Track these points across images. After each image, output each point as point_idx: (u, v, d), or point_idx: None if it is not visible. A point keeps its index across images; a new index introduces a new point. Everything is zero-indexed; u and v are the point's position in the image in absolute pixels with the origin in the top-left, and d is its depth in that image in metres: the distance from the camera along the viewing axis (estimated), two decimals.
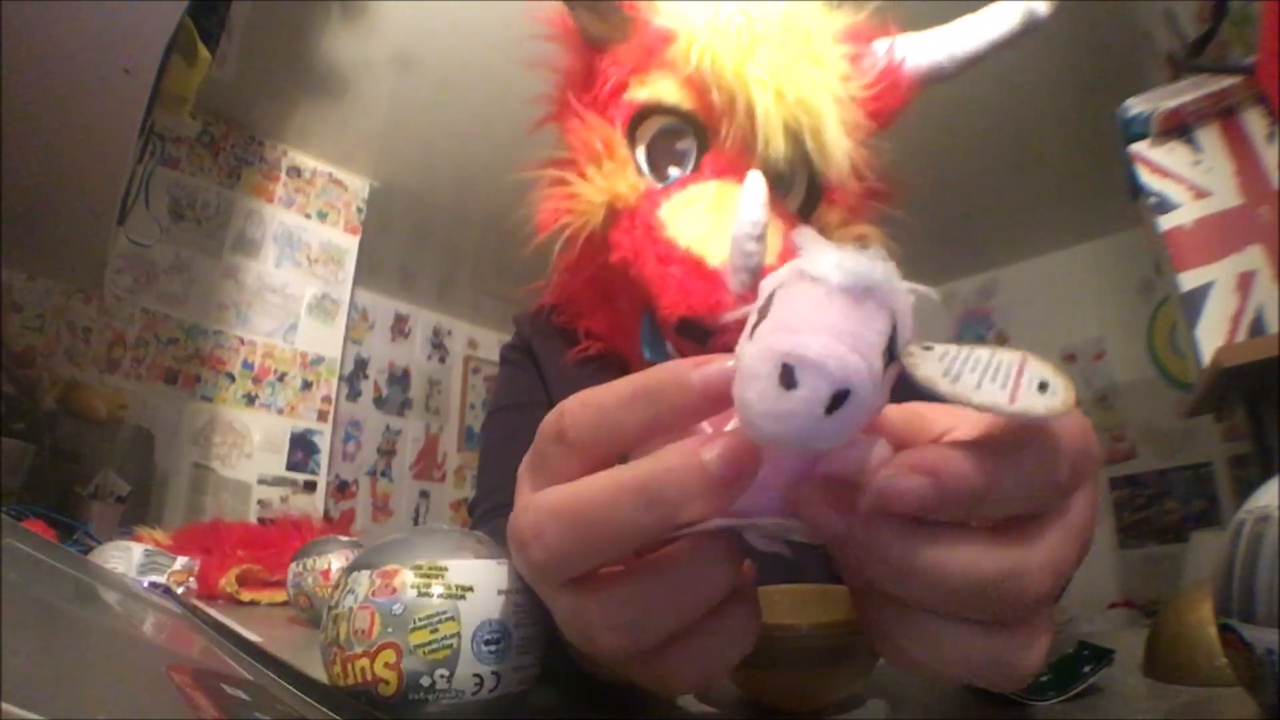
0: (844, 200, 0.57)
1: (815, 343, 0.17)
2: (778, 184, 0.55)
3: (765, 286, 0.20)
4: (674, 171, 0.56)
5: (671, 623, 0.20)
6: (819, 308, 0.18)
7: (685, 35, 0.53)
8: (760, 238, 0.47)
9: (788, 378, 0.17)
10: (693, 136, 0.55)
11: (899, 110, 0.58)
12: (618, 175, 0.54)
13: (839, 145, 0.52)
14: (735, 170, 0.52)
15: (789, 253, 0.50)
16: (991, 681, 0.20)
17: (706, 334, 0.50)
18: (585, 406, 0.21)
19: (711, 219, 0.51)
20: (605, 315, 0.59)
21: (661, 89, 0.54)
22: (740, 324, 0.20)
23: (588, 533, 0.19)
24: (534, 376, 0.66)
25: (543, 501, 0.20)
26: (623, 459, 0.21)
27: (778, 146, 0.52)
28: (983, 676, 0.20)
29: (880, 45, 0.58)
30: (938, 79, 0.59)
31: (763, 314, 0.19)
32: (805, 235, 0.20)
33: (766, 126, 0.51)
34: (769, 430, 0.18)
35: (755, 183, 0.47)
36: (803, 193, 0.57)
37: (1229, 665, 0.23)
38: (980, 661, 0.19)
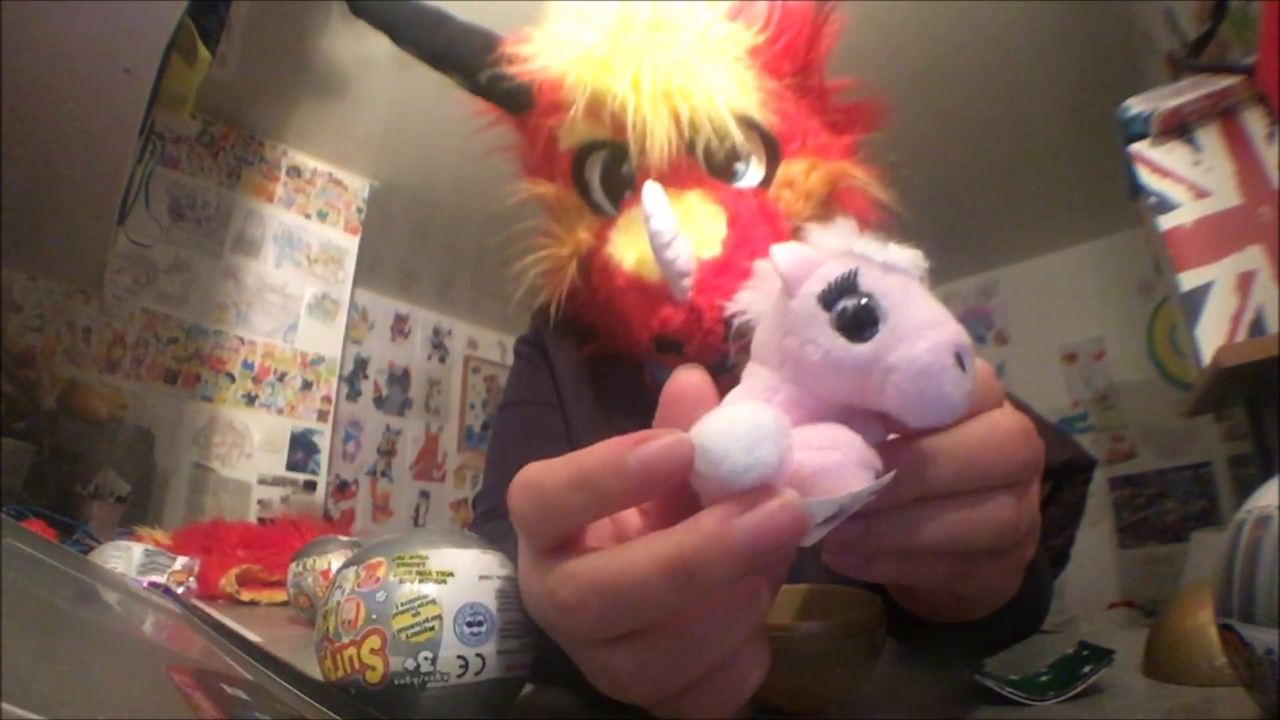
0: (804, 148, 0.56)
1: (960, 328, 0.20)
2: (724, 172, 0.54)
3: (819, 271, 0.21)
4: (628, 195, 0.56)
5: (695, 673, 0.21)
6: (925, 297, 0.21)
7: (566, 75, 0.54)
8: (671, 243, 0.47)
9: (962, 363, 0.20)
10: (627, 159, 0.55)
11: (814, 35, 0.57)
12: (578, 224, 0.56)
13: (717, 108, 0.51)
14: (669, 179, 0.52)
15: (740, 236, 0.50)
16: (1000, 534, 0.24)
17: (677, 346, 0.50)
18: (527, 489, 0.21)
19: (643, 237, 0.51)
20: (616, 324, 0.59)
21: (578, 130, 0.55)
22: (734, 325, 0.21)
23: (629, 607, 0.20)
24: (545, 374, 0.66)
25: (584, 574, 0.20)
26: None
27: (658, 143, 0.51)
28: (995, 532, 0.24)
29: None
30: None
31: (844, 296, 0.20)
32: (843, 229, 0.22)
33: (640, 128, 0.51)
34: (958, 412, 0.21)
35: (651, 193, 0.48)
36: (764, 162, 0.55)
37: (1229, 665, 0.23)
38: (995, 517, 0.24)
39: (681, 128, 0.51)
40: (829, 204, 0.57)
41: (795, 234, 0.42)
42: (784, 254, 0.22)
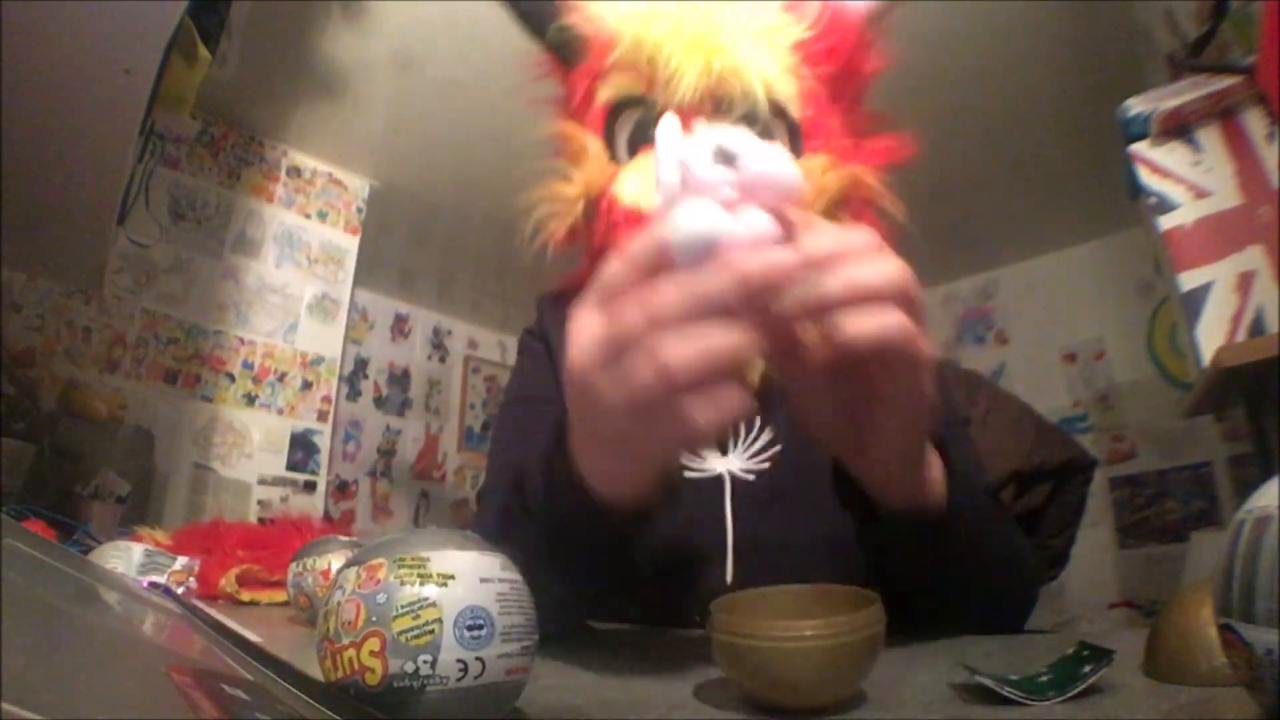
0: (826, 145, 0.58)
1: (782, 149, 0.39)
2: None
3: (698, 140, 0.35)
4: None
5: (692, 356, 0.29)
6: (758, 141, 0.34)
7: (624, 32, 0.58)
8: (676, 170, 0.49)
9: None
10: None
11: (858, 44, 0.60)
12: (593, 169, 0.59)
13: (749, 71, 0.54)
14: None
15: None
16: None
17: None
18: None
19: (648, 175, 0.54)
20: None
21: (618, 83, 0.59)
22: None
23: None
24: (547, 368, 0.67)
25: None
26: None
27: (685, 82, 0.54)
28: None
29: None
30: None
31: (719, 146, 0.34)
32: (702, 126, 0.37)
33: (669, 64, 0.54)
34: (800, 181, 0.35)
35: (667, 121, 0.50)
36: (785, 148, 0.57)
37: (1229, 665, 0.23)
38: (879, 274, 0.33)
39: (711, 76, 0.54)
40: (840, 204, 0.58)
41: None
42: (673, 139, 0.37)
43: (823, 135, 0.58)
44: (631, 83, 0.58)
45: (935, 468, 0.42)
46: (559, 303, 0.68)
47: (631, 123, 0.59)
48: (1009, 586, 0.51)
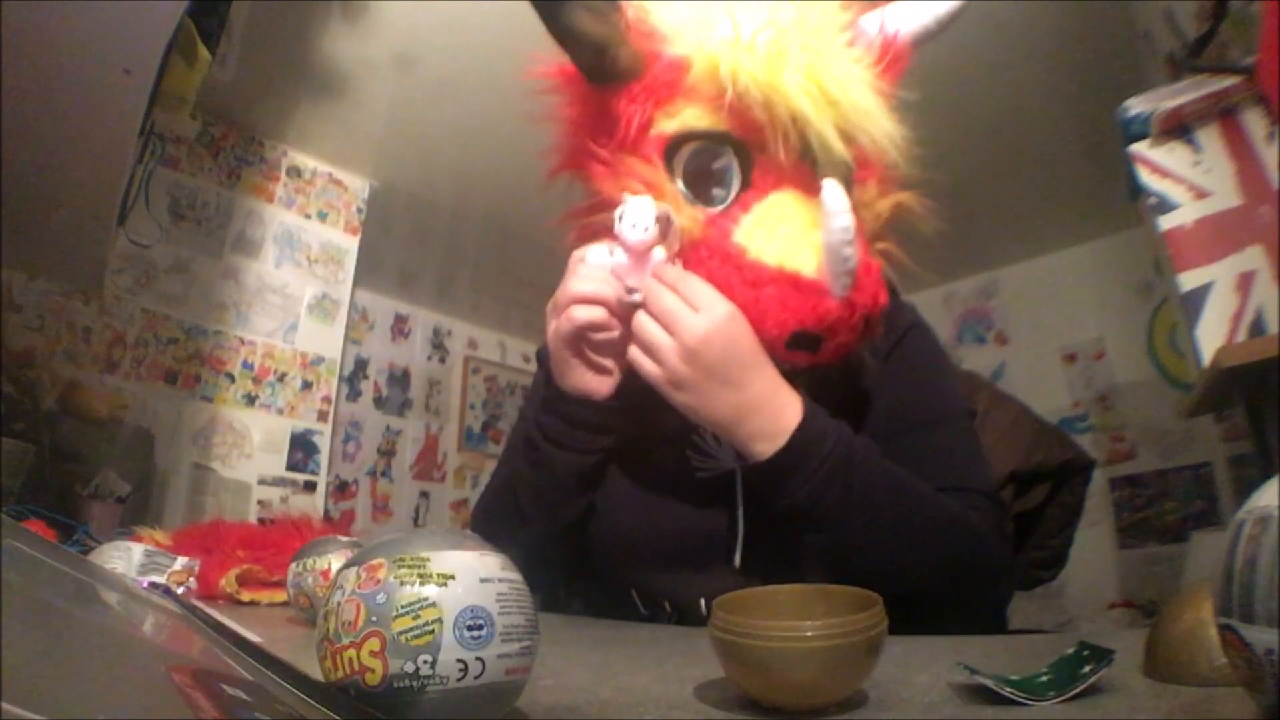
0: (875, 174, 0.58)
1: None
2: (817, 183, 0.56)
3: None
4: (717, 191, 0.56)
5: (565, 324, 0.55)
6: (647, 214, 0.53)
7: (704, 59, 0.53)
8: (852, 242, 0.49)
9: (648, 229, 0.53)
10: (732, 155, 0.55)
11: (899, 78, 0.59)
12: (674, 211, 0.55)
13: (892, 135, 0.54)
14: (792, 180, 0.53)
15: (863, 244, 0.53)
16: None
17: (818, 342, 0.51)
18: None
19: (789, 232, 0.52)
20: None
21: (690, 116, 0.54)
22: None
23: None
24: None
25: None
26: None
27: (838, 150, 0.52)
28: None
29: (867, 21, 0.58)
30: (925, 39, 0.60)
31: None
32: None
33: (821, 133, 0.52)
34: (646, 238, 0.53)
35: (835, 191, 0.49)
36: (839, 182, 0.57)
37: (1229, 665, 0.23)
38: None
39: (845, 138, 0.53)
40: (887, 225, 0.60)
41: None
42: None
43: (868, 163, 0.57)
44: (710, 117, 0.53)
45: (766, 439, 0.52)
46: None
47: (689, 156, 0.55)
48: (931, 549, 0.53)
